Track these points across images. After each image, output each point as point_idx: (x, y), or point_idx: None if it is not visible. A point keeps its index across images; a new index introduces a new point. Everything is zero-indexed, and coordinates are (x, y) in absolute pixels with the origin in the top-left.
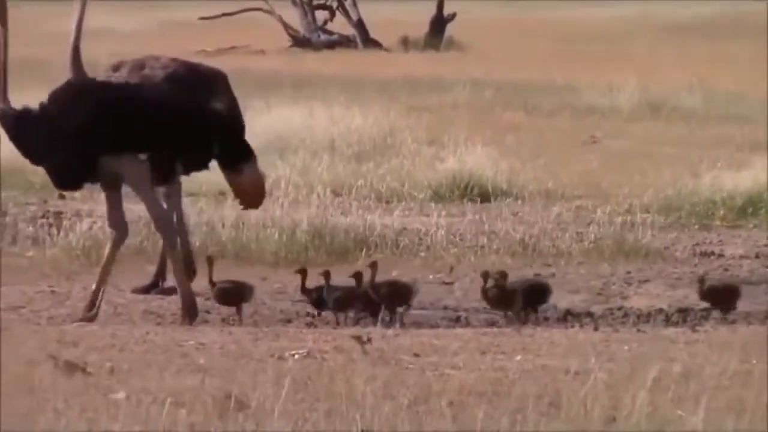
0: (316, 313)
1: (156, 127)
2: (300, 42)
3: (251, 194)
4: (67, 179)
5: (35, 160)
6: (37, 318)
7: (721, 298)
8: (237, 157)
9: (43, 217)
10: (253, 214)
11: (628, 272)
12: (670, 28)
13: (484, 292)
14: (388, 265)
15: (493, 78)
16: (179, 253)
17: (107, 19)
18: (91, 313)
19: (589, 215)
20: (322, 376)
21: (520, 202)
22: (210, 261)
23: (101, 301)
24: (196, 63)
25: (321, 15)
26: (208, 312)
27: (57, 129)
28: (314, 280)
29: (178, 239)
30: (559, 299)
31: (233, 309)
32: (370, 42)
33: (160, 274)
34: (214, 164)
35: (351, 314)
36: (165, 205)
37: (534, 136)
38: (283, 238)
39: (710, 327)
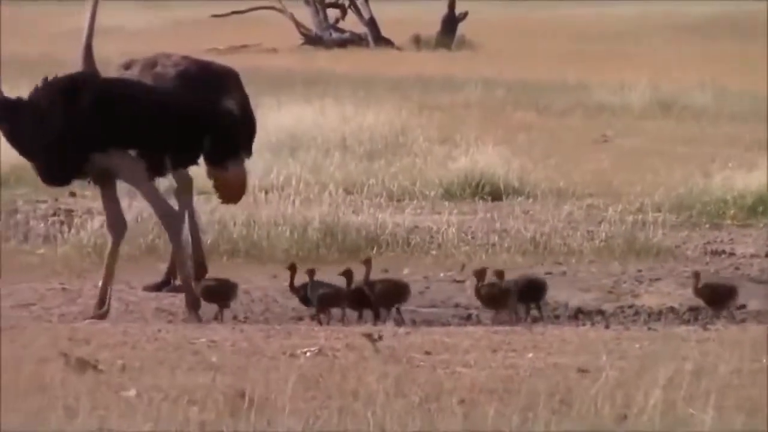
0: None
1: (146, 123)
2: (312, 40)
3: (233, 190)
4: (54, 174)
5: (23, 151)
6: (49, 315)
7: (715, 297)
8: (224, 154)
9: (54, 214)
10: (265, 212)
11: (639, 271)
12: (682, 27)
13: (477, 290)
14: (400, 263)
15: (505, 77)
16: (183, 246)
17: (119, 17)
18: (102, 310)
19: (601, 214)
20: (333, 374)
21: (531, 200)
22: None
23: (110, 298)
24: (208, 61)
25: (333, 13)
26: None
27: (45, 122)
28: (329, 278)
29: (184, 233)
30: (571, 297)
31: (244, 307)
32: (381, 40)
33: (172, 272)
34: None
35: (335, 312)
36: (177, 203)
37: (545, 135)
38: (295, 236)
39: (721, 325)
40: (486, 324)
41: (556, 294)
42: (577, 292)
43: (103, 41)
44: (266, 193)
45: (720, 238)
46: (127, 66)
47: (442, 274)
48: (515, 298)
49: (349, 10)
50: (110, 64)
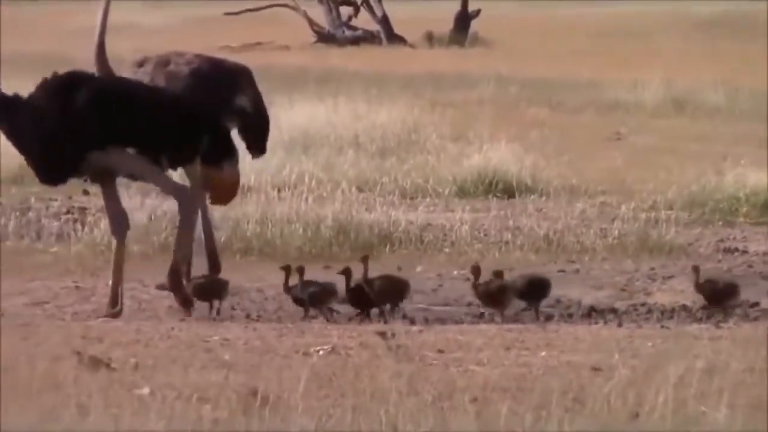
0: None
1: (142, 122)
2: (324, 38)
3: (225, 191)
4: (50, 173)
5: (21, 149)
6: (62, 314)
7: (715, 294)
8: (220, 154)
9: (67, 212)
10: (278, 210)
11: (652, 268)
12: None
13: (475, 288)
14: (413, 261)
15: (518, 74)
16: (192, 225)
17: (132, 14)
18: (115, 309)
19: (613, 211)
20: (346, 372)
21: (544, 198)
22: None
23: (122, 296)
24: (221, 59)
25: (345, 11)
26: (233, 308)
27: (41, 120)
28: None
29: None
30: (584, 295)
31: (257, 305)
32: (394, 38)
33: (186, 269)
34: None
35: (326, 310)
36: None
37: (558, 133)
38: (308, 234)
39: (734, 323)
40: (499, 322)
41: (569, 292)
42: (590, 290)
43: (116, 39)
44: (279, 190)
45: (733, 236)
46: (140, 64)
47: (455, 272)
48: (512, 296)
49: (361, 8)
50: (123, 62)
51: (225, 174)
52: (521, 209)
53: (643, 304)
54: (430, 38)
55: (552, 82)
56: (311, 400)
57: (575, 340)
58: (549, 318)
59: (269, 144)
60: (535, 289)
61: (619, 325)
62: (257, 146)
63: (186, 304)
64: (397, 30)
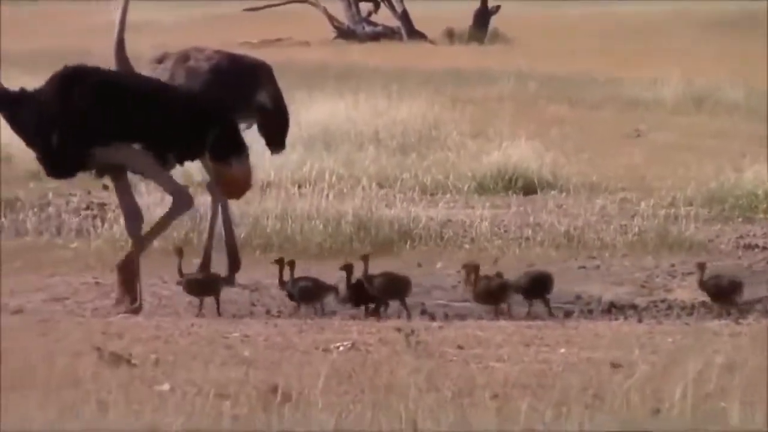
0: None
1: (147, 117)
2: (344, 34)
3: (236, 187)
4: (58, 166)
5: (29, 143)
6: (82, 309)
7: (719, 291)
8: (228, 150)
9: (87, 208)
10: (299, 206)
11: (672, 265)
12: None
13: (473, 286)
14: (433, 257)
15: (538, 71)
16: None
17: (151, 11)
18: (135, 305)
19: (633, 208)
20: (366, 369)
21: (564, 194)
22: (180, 252)
23: (141, 292)
24: (241, 55)
25: (365, 6)
26: (253, 305)
27: (46, 114)
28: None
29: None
30: (604, 291)
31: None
32: (414, 34)
33: (206, 266)
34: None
35: (318, 306)
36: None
37: (578, 129)
38: (329, 230)
39: (753, 320)
40: (519, 318)
41: (589, 288)
42: (611, 286)
43: (136, 36)
44: (299, 187)
45: (753, 232)
46: (160, 60)
47: None
48: (510, 294)
49: (381, 4)
50: (143, 58)
51: (234, 169)
52: (541, 206)
53: (663, 301)
54: (450, 34)
55: (571, 79)
56: (331, 396)
57: (595, 337)
58: (569, 314)
59: (289, 140)
60: (537, 285)
61: (639, 321)
62: (277, 142)
63: (132, 301)
64: (417, 26)
